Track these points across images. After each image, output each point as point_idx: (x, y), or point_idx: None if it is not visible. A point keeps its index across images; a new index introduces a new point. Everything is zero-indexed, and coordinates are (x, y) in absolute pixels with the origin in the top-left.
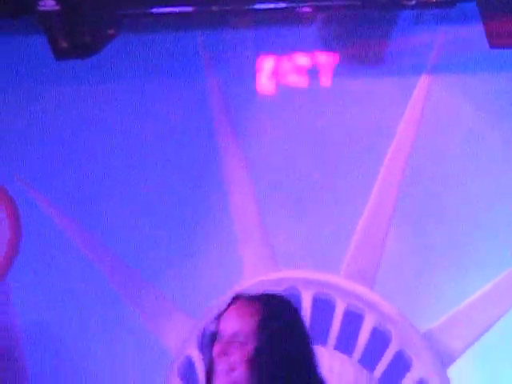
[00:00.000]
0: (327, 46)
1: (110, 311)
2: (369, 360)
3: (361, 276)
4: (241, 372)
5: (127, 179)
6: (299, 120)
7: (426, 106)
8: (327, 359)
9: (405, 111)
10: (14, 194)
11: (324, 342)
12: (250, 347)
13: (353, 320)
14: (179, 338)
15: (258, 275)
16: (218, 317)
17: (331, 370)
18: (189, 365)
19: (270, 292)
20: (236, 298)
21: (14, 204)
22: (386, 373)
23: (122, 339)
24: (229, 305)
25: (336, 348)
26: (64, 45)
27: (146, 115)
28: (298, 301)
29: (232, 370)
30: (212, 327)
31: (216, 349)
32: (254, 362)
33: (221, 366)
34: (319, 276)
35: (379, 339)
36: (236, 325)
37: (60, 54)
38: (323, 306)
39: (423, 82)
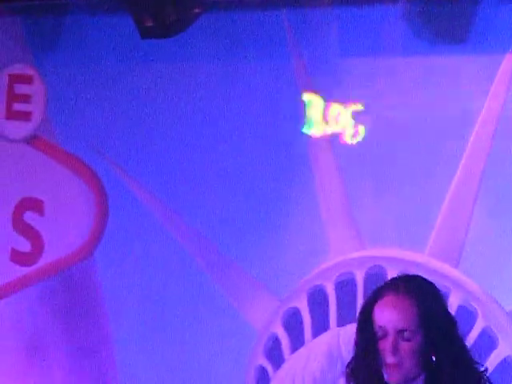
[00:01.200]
0: (411, 25)
1: (194, 289)
2: None
3: (446, 254)
4: (410, 363)
5: (210, 157)
6: (382, 98)
7: (511, 86)
8: None
9: (489, 91)
10: (100, 172)
11: None
12: (416, 341)
13: None
14: (264, 317)
15: (344, 254)
16: (366, 310)
17: None
18: (274, 343)
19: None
20: (387, 291)
21: (100, 182)
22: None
23: (207, 317)
24: (379, 295)
25: None
26: (149, 23)
27: (230, 94)
28: (384, 279)
29: (402, 362)
30: (364, 321)
31: (387, 347)
32: (421, 354)
33: (393, 360)
34: (404, 254)
35: (465, 317)
36: (400, 323)
37: (145, 33)
38: None
39: (508, 61)
